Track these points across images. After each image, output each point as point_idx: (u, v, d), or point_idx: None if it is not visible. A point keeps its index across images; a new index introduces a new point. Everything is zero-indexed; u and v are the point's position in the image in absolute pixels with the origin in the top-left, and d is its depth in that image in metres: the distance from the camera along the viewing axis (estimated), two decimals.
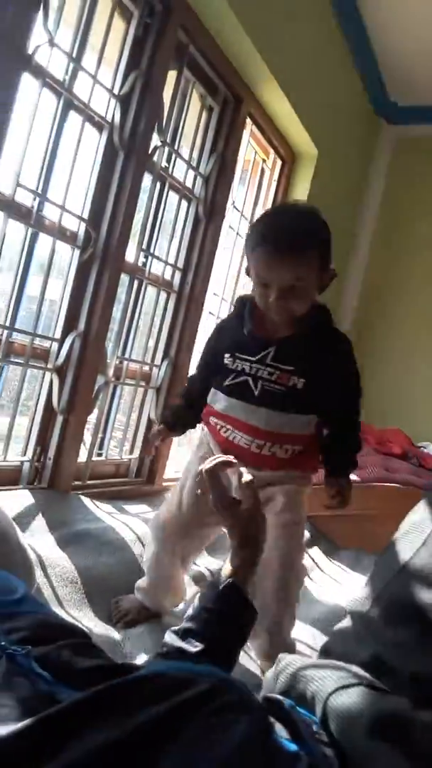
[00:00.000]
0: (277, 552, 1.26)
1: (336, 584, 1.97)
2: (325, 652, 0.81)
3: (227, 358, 1.29)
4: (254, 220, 1.27)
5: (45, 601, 1.33)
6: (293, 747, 0.45)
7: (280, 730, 0.47)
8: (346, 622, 0.84)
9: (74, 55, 1.72)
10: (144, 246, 2.14)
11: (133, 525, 1.84)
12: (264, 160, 2.84)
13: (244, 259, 2.75)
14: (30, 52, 1.56)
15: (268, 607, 1.24)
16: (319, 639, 1.51)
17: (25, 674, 0.50)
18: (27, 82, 1.58)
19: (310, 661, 0.55)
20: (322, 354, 1.24)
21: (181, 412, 1.48)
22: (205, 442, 1.41)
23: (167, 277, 2.31)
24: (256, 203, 2.83)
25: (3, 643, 0.52)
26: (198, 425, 1.48)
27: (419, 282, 3.50)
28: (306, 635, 1.53)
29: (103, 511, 1.88)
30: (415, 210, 3.54)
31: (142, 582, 1.48)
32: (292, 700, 0.49)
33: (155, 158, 2.06)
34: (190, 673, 0.50)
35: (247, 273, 1.25)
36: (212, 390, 1.35)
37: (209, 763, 0.39)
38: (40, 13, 1.56)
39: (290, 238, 1.14)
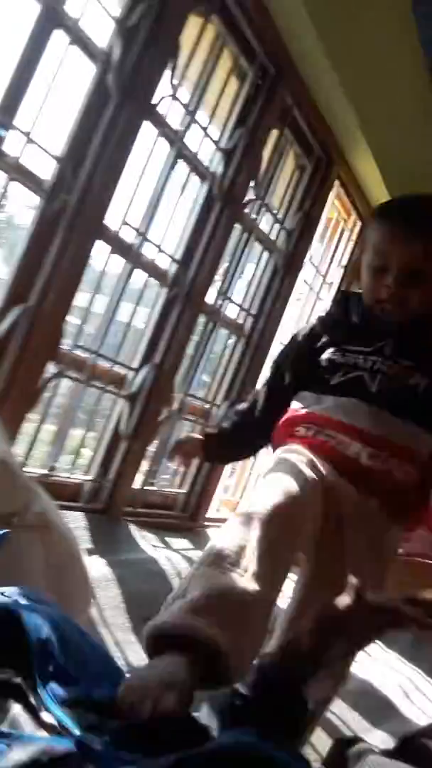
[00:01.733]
0: None
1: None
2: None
3: (333, 353, 1.05)
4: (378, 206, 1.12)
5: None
6: None
7: None
8: None
9: (191, 108, 1.84)
10: (223, 289, 2.22)
11: (177, 561, 1.87)
12: (345, 220, 2.92)
13: (314, 315, 2.83)
14: (154, 102, 1.68)
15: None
16: None
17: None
18: (146, 129, 1.70)
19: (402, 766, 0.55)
20: None
21: (229, 436, 1.17)
22: None
23: (240, 321, 2.38)
24: (331, 261, 2.90)
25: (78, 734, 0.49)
26: (242, 459, 1.27)
27: None
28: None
29: (148, 543, 1.92)
30: None
31: None
32: None
33: (246, 210, 2.15)
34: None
35: (357, 269, 1.08)
36: (303, 395, 1.09)
37: None
38: (169, 69, 1.69)
39: (422, 212, 0.99)
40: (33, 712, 0.50)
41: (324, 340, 1.09)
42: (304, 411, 1.07)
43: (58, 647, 0.58)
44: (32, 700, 0.52)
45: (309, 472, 0.95)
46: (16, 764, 0.42)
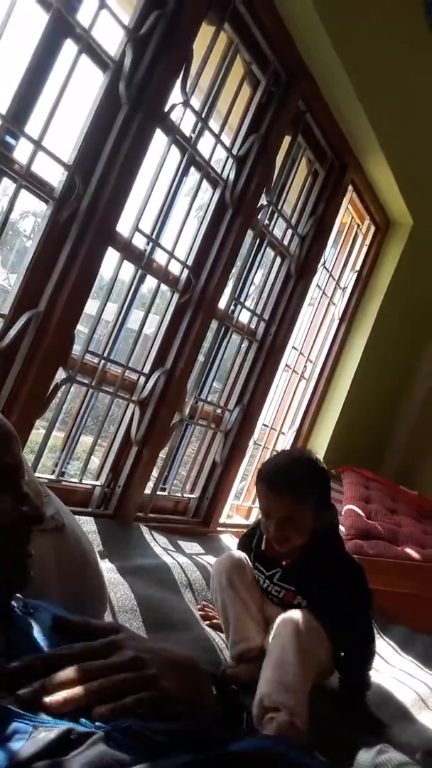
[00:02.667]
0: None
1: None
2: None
3: (252, 567, 1.50)
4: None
5: None
6: None
7: None
8: None
9: (203, 115, 1.85)
10: (235, 295, 2.22)
11: (187, 568, 1.86)
12: (359, 225, 2.90)
13: (327, 319, 2.82)
14: (166, 110, 1.69)
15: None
16: None
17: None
18: (158, 136, 1.70)
19: (412, 765, 0.54)
20: (325, 579, 1.39)
21: None
22: None
23: (252, 326, 2.38)
24: (345, 265, 2.89)
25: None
26: None
27: None
28: None
29: (160, 547, 1.92)
30: None
31: None
32: None
33: (259, 216, 2.15)
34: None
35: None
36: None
37: None
38: (180, 76, 1.70)
39: (285, 477, 1.36)
40: None
41: (250, 547, 1.53)
42: None
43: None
44: None
45: None
46: (45, 742, 0.43)
